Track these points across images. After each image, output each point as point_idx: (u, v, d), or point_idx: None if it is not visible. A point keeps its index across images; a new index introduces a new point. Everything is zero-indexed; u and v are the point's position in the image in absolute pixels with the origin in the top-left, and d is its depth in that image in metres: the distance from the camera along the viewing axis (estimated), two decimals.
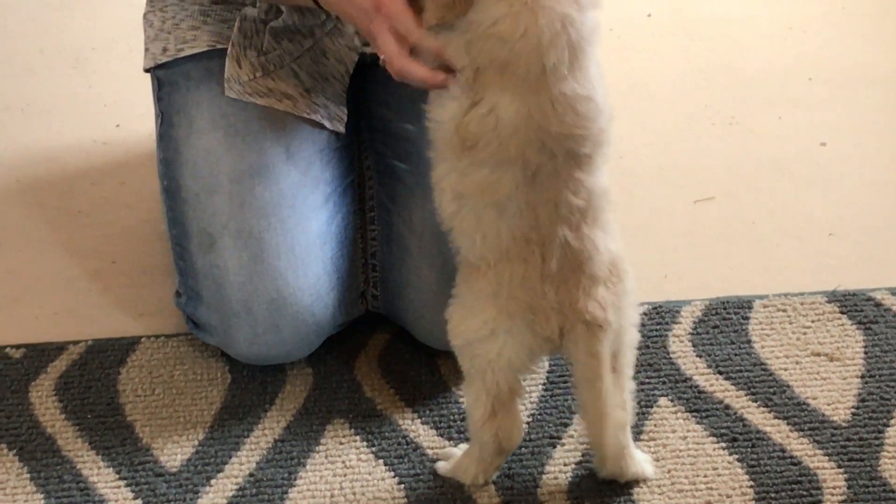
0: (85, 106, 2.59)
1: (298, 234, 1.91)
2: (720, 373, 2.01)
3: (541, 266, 1.66)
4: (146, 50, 2.05)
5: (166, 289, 2.13)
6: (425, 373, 2.01)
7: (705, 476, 1.86)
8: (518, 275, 1.67)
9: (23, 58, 2.73)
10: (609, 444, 1.75)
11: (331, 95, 1.98)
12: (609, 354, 1.70)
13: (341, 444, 1.91)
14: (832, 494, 1.83)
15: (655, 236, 2.29)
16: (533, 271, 1.67)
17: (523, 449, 1.89)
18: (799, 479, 1.84)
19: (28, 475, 1.87)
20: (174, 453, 1.90)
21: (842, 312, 2.12)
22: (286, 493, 1.84)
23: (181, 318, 2.03)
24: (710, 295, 2.15)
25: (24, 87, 2.64)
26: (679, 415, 1.95)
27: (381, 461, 1.88)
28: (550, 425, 1.93)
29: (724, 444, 1.90)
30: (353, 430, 1.93)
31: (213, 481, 1.86)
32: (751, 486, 1.84)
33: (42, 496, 1.84)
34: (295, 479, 1.86)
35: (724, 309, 2.12)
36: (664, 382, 1.99)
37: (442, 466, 1.86)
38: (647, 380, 1.99)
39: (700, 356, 2.04)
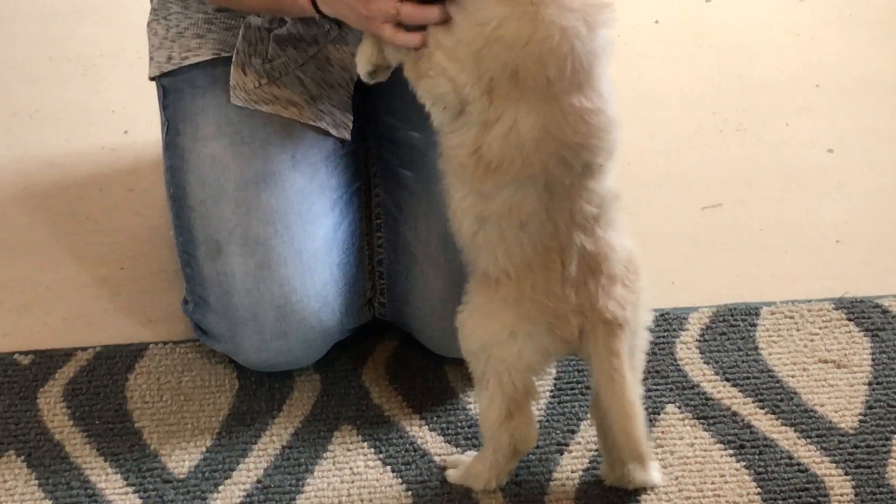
0: (93, 112, 2.60)
1: (305, 240, 1.91)
2: (727, 380, 2.01)
3: (561, 271, 1.67)
4: (151, 58, 2.06)
5: (174, 295, 2.14)
6: (433, 379, 2.01)
7: (713, 483, 1.86)
8: (540, 282, 1.67)
9: (32, 65, 2.73)
10: (637, 442, 1.73)
11: (336, 102, 1.98)
12: (627, 351, 1.70)
13: (349, 450, 1.91)
14: (839, 501, 1.83)
15: (663, 243, 2.29)
16: (554, 277, 1.67)
17: (531, 456, 1.89)
18: (806, 486, 1.84)
19: (36, 481, 1.87)
20: (182, 460, 1.90)
21: (849, 319, 2.12)
22: (294, 499, 1.85)
23: (189, 324, 2.04)
24: (717, 302, 2.15)
25: (33, 94, 2.65)
26: (686, 422, 1.94)
27: (388, 467, 1.89)
28: (558, 432, 1.93)
29: (731, 451, 1.90)
30: (360, 437, 1.93)
31: (220, 488, 1.86)
32: (758, 493, 1.84)
33: (50, 502, 1.84)
34: (303, 486, 1.86)
35: (732, 316, 2.12)
36: (671, 389, 1.99)
37: (452, 474, 1.86)
38: (654, 386, 1.99)
39: (707, 363, 2.04)
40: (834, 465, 1.88)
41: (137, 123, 2.54)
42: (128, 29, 2.78)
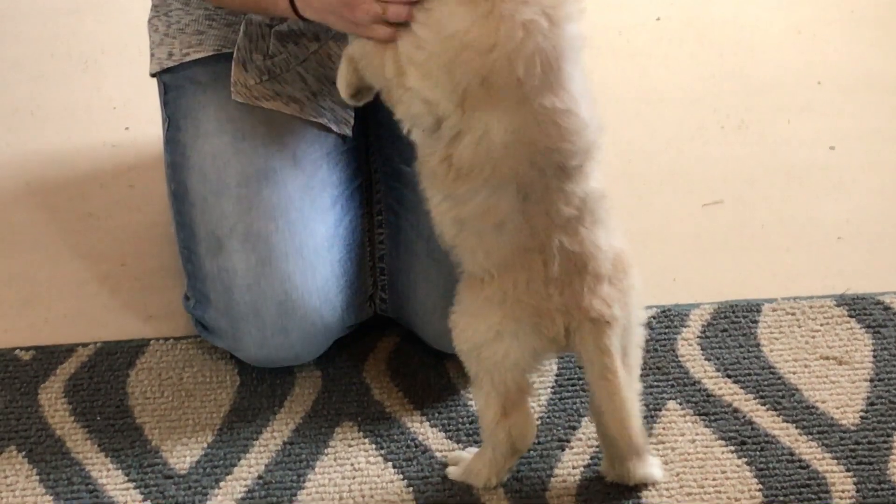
0: (94, 109, 2.60)
1: (306, 236, 1.91)
2: (729, 376, 2.01)
3: (543, 271, 1.67)
4: (152, 55, 2.06)
5: (175, 291, 2.14)
6: (434, 376, 2.01)
7: (714, 479, 1.85)
8: (522, 281, 1.67)
9: (33, 62, 2.73)
10: (633, 436, 1.73)
11: (337, 99, 1.97)
12: (619, 348, 1.70)
13: (350, 446, 1.91)
14: (841, 498, 1.83)
15: (664, 240, 2.29)
16: (536, 277, 1.67)
17: (532, 452, 1.89)
18: (808, 482, 1.84)
19: (37, 477, 1.87)
20: (183, 455, 1.90)
21: (850, 316, 2.12)
22: (295, 495, 1.85)
23: (190, 320, 2.04)
24: (718, 298, 2.15)
25: (34, 91, 2.65)
26: (688, 418, 1.94)
27: (389, 463, 1.88)
28: (559, 428, 1.93)
29: (732, 448, 1.89)
30: (361, 433, 1.93)
31: (221, 483, 1.86)
32: (759, 490, 1.83)
33: (51, 498, 1.84)
34: (304, 482, 1.86)
35: (733, 312, 2.12)
36: (673, 386, 1.99)
37: (453, 471, 1.86)
38: (655, 383, 1.99)
39: (709, 359, 2.04)
40: (835, 461, 1.88)
41: (138, 120, 2.54)
42: (129, 26, 2.78)
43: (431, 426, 1.94)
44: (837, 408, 1.96)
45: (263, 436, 1.93)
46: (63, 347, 2.07)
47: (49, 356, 2.05)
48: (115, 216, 2.34)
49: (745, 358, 2.04)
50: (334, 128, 1.98)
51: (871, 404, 1.97)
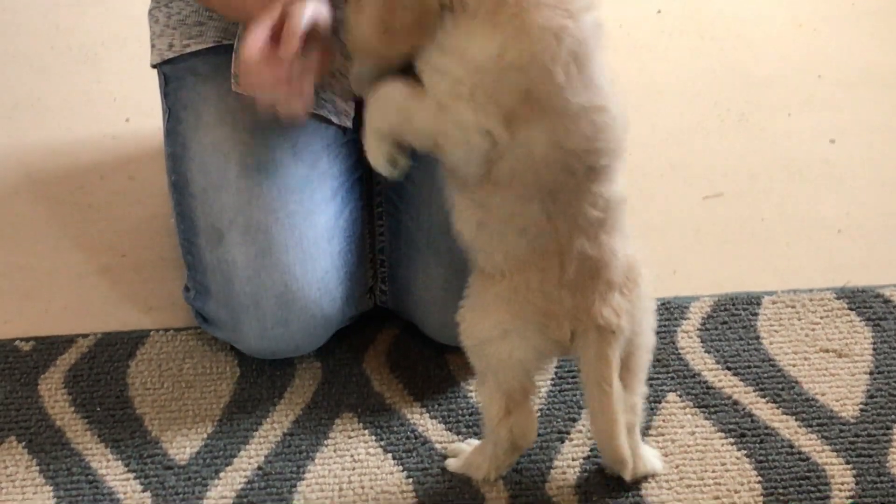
0: (94, 101, 2.60)
1: (306, 228, 1.91)
2: (728, 368, 2.01)
3: (558, 274, 1.66)
4: (152, 46, 2.05)
5: (175, 283, 2.14)
6: (434, 367, 2.01)
7: (714, 471, 1.86)
8: (535, 281, 1.67)
9: (33, 54, 2.73)
10: (618, 448, 1.74)
11: (338, 91, 1.97)
12: (618, 359, 1.70)
13: (350, 438, 1.91)
14: (840, 490, 1.83)
15: (665, 232, 2.29)
16: (550, 279, 1.66)
17: (532, 446, 1.89)
18: (807, 474, 1.84)
19: (37, 467, 1.87)
20: (183, 446, 1.90)
21: (850, 309, 2.12)
22: (295, 486, 1.85)
23: (190, 311, 2.04)
24: (718, 291, 2.15)
25: (34, 83, 2.65)
26: (687, 410, 1.95)
27: (389, 455, 1.89)
28: (559, 420, 1.93)
29: (732, 440, 1.90)
30: (361, 425, 1.93)
31: (221, 474, 1.86)
32: (759, 482, 1.84)
33: (51, 488, 1.85)
34: (304, 473, 1.86)
35: (733, 305, 2.12)
36: (673, 378, 1.99)
37: (452, 463, 1.86)
38: (655, 375, 1.99)
39: (708, 352, 2.04)
40: (835, 453, 1.88)
41: (139, 112, 2.54)
42: (129, 18, 2.78)
43: (431, 418, 1.94)
44: (837, 400, 1.96)
45: (263, 427, 1.93)
46: (63, 338, 2.07)
47: (49, 347, 2.05)
48: (115, 208, 2.34)
49: (745, 350, 2.04)
50: (334, 119, 1.97)
51: (871, 397, 1.97)
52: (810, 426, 1.92)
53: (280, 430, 1.92)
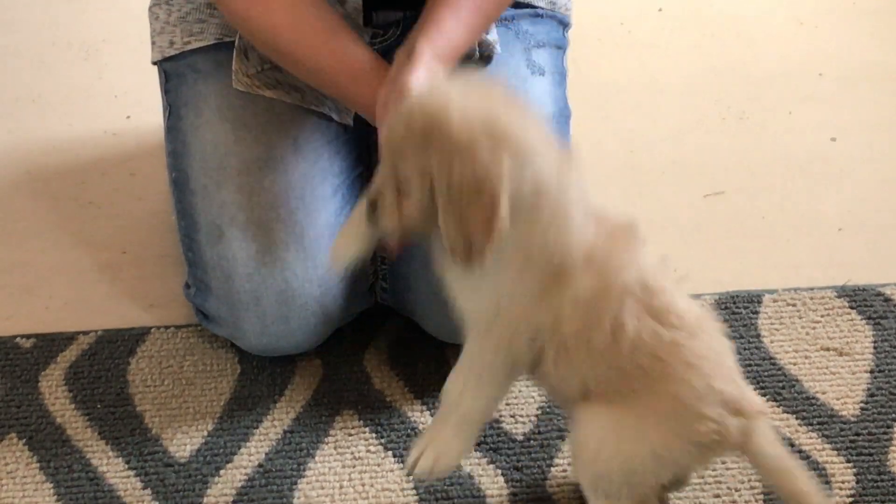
0: (95, 97, 2.60)
1: (307, 225, 1.91)
2: None
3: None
4: (153, 43, 2.05)
5: (176, 280, 2.14)
6: (434, 365, 2.01)
7: (714, 470, 1.85)
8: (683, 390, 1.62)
9: (34, 49, 2.73)
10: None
11: None
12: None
13: (350, 435, 1.91)
14: (841, 489, 1.83)
15: (666, 230, 2.29)
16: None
17: (532, 441, 1.89)
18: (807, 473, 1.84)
19: (37, 464, 1.88)
20: (183, 444, 1.90)
21: (851, 307, 2.12)
22: (295, 483, 1.85)
23: (191, 308, 2.04)
24: (719, 289, 2.15)
25: (35, 79, 2.65)
26: None
27: (389, 452, 1.89)
28: (559, 418, 1.93)
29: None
30: (361, 422, 1.93)
31: (222, 472, 1.86)
32: (759, 480, 1.83)
33: (51, 485, 1.85)
34: (304, 470, 1.86)
35: (734, 303, 2.12)
36: None
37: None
38: None
39: None
40: (835, 452, 1.88)
41: (140, 108, 2.54)
42: (130, 14, 2.77)
43: (432, 415, 1.94)
44: (838, 399, 1.97)
45: (264, 424, 1.93)
46: (64, 335, 2.07)
47: (50, 344, 2.05)
48: (115, 204, 2.34)
49: (745, 349, 2.04)
50: (335, 117, 1.97)
51: (872, 395, 1.97)
52: (811, 424, 1.92)
53: (280, 427, 1.92)
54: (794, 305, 2.12)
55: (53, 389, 1.98)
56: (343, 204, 1.97)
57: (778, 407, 1.95)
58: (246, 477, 1.86)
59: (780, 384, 1.98)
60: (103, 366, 2.02)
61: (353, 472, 1.86)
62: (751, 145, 2.50)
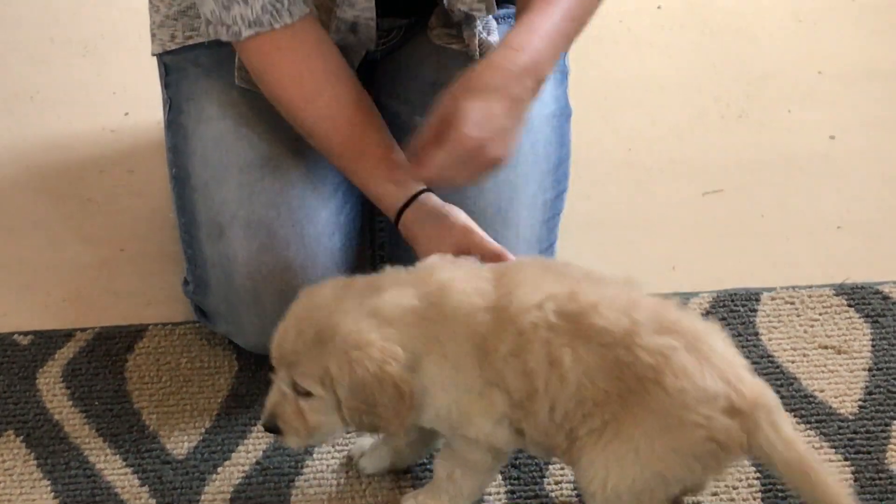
0: (94, 94, 2.59)
1: (307, 224, 1.90)
2: None
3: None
4: (153, 35, 2.04)
5: (174, 277, 2.13)
6: None
7: None
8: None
9: (33, 46, 2.73)
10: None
11: None
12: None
13: (348, 433, 1.91)
14: None
15: (664, 228, 2.29)
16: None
17: None
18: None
19: (35, 461, 1.87)
20: (181, 441, 1.90)
21: (849, 305, 2.11)
22: (293, 481, 1.85)
23: (189, 305, 2.03)
24: (717, 287, 2.15)
25: (33, 75, 2.65)
26: None
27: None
28: None
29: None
30: None
31: (219, 469, 1.86)
32: (757, 478, 1.83)
33: (49, 482, 1.85)
34: (301, 468, 1.86)
35: (732, 301, 2.12)
36: None
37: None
38: None
39: None
40: (833, 450, 1.88)
41: (138, 105, 2.54)
42: (129, 11, 2.77)
43: None
44: (836, 397, 1.96)
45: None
46: (62, 332, 2.07)
47: (48, 341, 2.05)
48: (114, 201, 2.33)
49: (743, 346, 2.03)
50: None
51: (870, 393, 1.97)
52: (809, 422, 1.92)
53: None
54: (792, 303, 2.12)
55: (51, 386, 1.98)
56: (343, 203, 1.96)
57: None
58: (244, 474, 1.86)
59: (779, 382, 1.98)
60: (101, 363, 2.02)
61: (351, 469, 1.86)
62: (750, 143, 2.50)
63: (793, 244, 2.26)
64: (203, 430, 1.92)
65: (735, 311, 2.10)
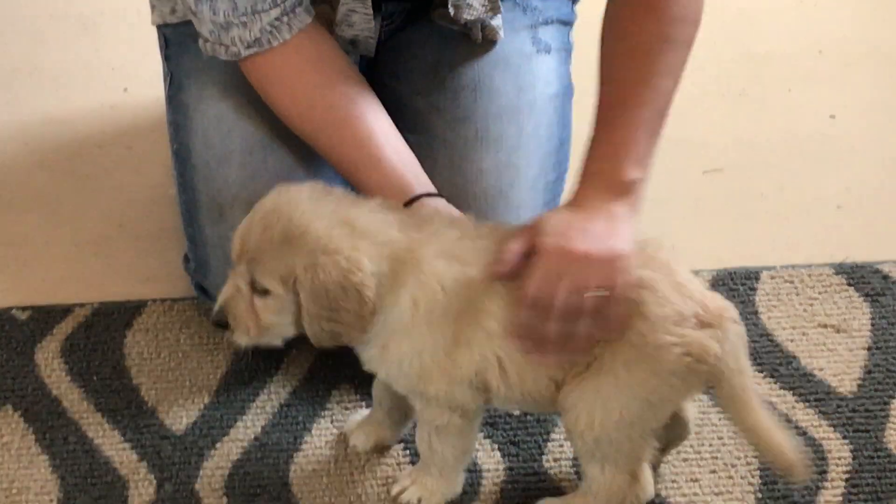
0: (93, 70, 2.59)
1: None
2: None
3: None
4: (153, 6, 2.03)
5: (173, 253, 2.13)
6: None
7: (710, 445, 1.86)
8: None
9: (32, 22, 2.72)
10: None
11: None
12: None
13: (346, 409, 1.91)
14: (837, 465, 1.83)
15: (664, 206, 2.28)
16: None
17: (529, 417, 1.89)
18: (804, 449, 1.84)
19: (33, 436, 1.87)
20: (180, 416, 1.90)
21: (849, 284, 2.11)
22: (291, 457, 1.85)
23: (188, 282, 2.03)
24: (717, 265, 2.15)
25: (32, 52, 2.64)
26: None
27: None
28: None
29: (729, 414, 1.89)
30: (358, 396, 1.93)
31: (218, 445, 1.86)
32: (756, 456, 1.83)
33: (47, 457, 1.85)
34: (300, 444, 1.86)
35: (732, 280, 2.12)
36: None
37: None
38: None
39: None
40: (832, 429, 1.88)
41: (137, 81, 2.53)
42: None
43: None
44: (835, 376, 1.96)
45: (260, 398, 1.93)
46: (60, 307, 2.06)
47: (46, 316, 2.05)
48: (113, 178, 2.33)
49: (743, 325, 2.03)
50: None
51: (869, 372, 1.97)
52: (808, 401, 1.92)
53: (277, 401, 1.92)
54: (791, 282, 2.12)
55: (49, 361, 1.98)
56: (344, 186, 1.95)
57: (775, 383, 1.95)
58: (242, 450, 1.86)
59: (778, 361, 1.98)
60: (99, 338, 2.02)
61: (349, 445, 1.86)
62: (750, 122, 2.49)
63: (793, 223, 2.26)
64: (202, 406, 1.92)
65: (735, 289, 2.10)
